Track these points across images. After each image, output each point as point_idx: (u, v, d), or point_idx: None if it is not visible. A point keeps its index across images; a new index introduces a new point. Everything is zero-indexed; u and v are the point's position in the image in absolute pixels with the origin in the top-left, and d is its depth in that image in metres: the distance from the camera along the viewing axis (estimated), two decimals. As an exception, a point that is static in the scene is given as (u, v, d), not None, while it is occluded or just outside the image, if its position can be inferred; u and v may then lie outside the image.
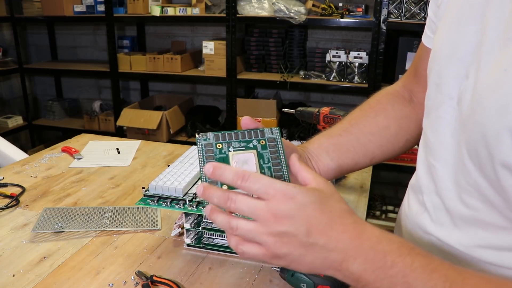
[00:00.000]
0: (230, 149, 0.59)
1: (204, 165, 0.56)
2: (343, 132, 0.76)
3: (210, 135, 0.60)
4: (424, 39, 0.73)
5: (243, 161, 0.58)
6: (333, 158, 0.73)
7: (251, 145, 0.60)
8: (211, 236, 0.89)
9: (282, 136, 0.62)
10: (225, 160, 0.57)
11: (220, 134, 0.60)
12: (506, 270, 0.51)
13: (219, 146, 0.59)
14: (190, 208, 0.85)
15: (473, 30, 0.53)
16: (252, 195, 0.49)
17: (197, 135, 0.60)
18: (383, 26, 2.42)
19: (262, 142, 0.60)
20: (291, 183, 0.51)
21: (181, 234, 0.93)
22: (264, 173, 0.56)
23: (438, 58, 0.59)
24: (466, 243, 0.54)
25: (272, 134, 0.61)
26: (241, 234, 0.48)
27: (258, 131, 0.61)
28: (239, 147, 0.59)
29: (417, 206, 0.63)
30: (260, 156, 0.58)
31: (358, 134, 0.76)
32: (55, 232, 0.95)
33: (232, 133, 0.60)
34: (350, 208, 0.51)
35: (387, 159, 0.79)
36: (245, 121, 0.62)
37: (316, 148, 0.74)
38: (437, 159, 0.59)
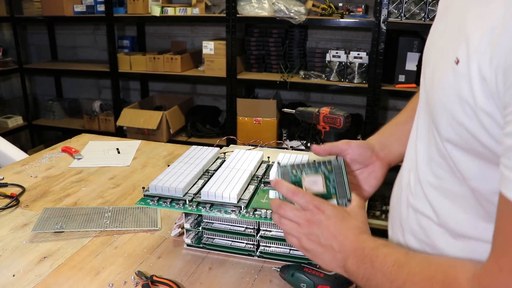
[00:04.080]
0: (302, 173, 0.73)
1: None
2: (409, 119, 0.82)
3: (288, 165, 0.75)
4: None
5: (313, 181, 0.72)
6: (404, 144, 0.80)
7: (319, 170, 0.74)
8: (211, 236, 0.89)
9: (345, 164, 0.76)
10: (298, 182, 0.72)
11: (295, 164, 0.75)
12: (464, 239, 0.59)
13: (294, 172, 0.74)
14: (190, 208, 0.85)
15: (441, 25, 0.63)
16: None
17: (276, 164, 0.75)
18: (383, 26, 2.42)
19: (329, 168, 0.74)
20: (352, 199, 0.70)
21: (181, 234, 0.93)
22: (329, 191, 0.72)
23: (424, 51, 0.69)
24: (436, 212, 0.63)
25: (337, 162, 0.75)
26: (285, 230, 0.69)
27: (326, 161, 0.75)
28: (309, 171, 0.74)
29: (405, 181, 0.71)
30: (327, 178, 0.73)
31: None
32: (55, 232, 0.95)
33: (305, 163, 0.75)
34: (363, 226, 0.67)
35: None
36: (315, 150, 0.79)
37: (387, 138, 0.85)
38: (419, 136, 0.67)
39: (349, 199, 0.70)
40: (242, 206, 0.84)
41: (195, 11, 2.80)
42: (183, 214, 0.88)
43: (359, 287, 0.65)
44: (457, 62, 0.51)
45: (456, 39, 0.53)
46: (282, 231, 0.74)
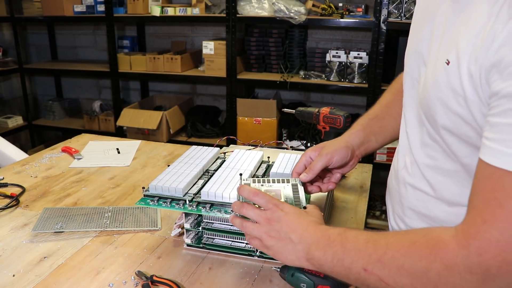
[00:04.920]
0: (262, 187, 0.81)
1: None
2: (386, 115, 0.95)
3: (249, 179, 0.83)
4: None
5: (272, 193, 0.78)
6: (378, 141, 0.95)
7: (278, 186, 0.82)
8: (211, 236, 0.89)
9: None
10: None
11: (256, 179, 0.84)
12: (458, 207, 0.69)
13: (254, 186, 0.81)
14: (190, 208, 0.85)
15: (428, 30, 0.71)
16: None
17: (241, 180, 0.84)
18: (383, 26, 2.42)
19: (287, 184, 0.82)
20: (307, 206, 0.76)
21: (181, 234, 0.93)
22: (287, 201, 0.77)
23: (408, 52, 0.79)
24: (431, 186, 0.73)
25: (295, 181, 0.84)
26: (248, 232, 0.73)
27: (285, 179, 0.85)
28: (269, 186, 0.81)
29: (401, 163, 0.81)
30: (284, 192, 0.80)
31: (395, 115, 0.92)
32: (55, 232, 0.95)
33: (265, 179, 0.84)
34: (320, 221, 0.72)
35: None
36: (303, 180, 0.86)
37: (367, 134, 0.94)
38: (408, 125, 0.78)
39: (305, 207, 0.76)
40: (242, 206, 0.84)
41: (195, 11, 2.81)
42: (183, 214, 0.88)
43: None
44: (448, 63, 0.62)
45: (446, 45, 0.64)
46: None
